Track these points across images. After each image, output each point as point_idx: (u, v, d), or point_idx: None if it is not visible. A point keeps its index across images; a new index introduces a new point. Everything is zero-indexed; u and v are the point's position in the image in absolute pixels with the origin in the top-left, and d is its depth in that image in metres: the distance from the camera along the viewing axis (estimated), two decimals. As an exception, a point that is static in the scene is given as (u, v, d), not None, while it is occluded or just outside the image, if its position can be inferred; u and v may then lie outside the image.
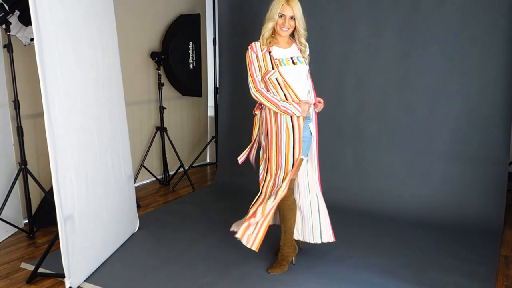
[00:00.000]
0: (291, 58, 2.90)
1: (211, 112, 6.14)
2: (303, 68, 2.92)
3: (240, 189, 4.85)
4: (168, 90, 5.38)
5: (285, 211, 3.01)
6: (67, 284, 2.78)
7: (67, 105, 2.79)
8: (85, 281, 2.94)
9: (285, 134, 2.89)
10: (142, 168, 5.08)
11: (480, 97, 3.90)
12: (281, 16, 2.82)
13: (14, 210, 3.75)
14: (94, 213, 3.08)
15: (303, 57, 2.94)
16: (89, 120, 3.06)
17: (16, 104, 3.45)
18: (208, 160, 6.31)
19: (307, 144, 3.01)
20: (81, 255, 2.90)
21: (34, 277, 2.96)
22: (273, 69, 2.85)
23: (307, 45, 2.97)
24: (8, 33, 3.35)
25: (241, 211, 4.25)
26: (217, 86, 5.47)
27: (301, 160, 2.99)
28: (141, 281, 2.98)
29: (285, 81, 2.85)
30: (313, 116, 3.04)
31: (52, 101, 2.63)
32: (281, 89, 2.86)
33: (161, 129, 5.12)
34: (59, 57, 2.71)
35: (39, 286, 2.91)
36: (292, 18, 2.82)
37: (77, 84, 2.92)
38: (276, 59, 2.87)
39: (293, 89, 2.86)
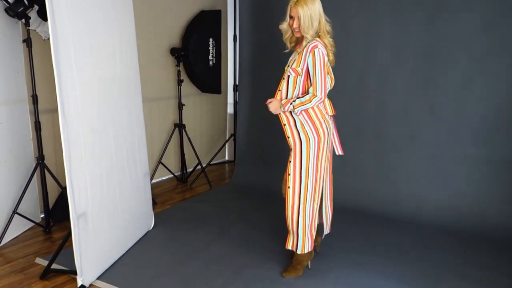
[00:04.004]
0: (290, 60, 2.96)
1: (230, 109, 6.09)
2: (288, 73, 2.88)
3: (258, 188, 4.80)
4: (188, 87, 5.35)
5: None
6: (79, 282, 2.77)
7: (82, 101, 2.77)
8: (97, 278, 2.93)
9: None
10: (160, 164, 5.06)
11: (507, 98, 3.74)
12: (291, 17, 2.81)
13: (32, 205, 3.77)
14: (108, 211, 3.06)
15: (295, 60, 2.85)
16: (105, 117, 3.04)
17: (35, 99, 3.46)
18: (226, 158, 6.27)
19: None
20: (94, 252, 2.89)
21: (47, 273, 2.96)
22: None
23: (308, 49, 2.77)
24: (27, 28, 3.36)
25: (258, 211, 4.20)
26: (237, 83, 5.42)
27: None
28: (153, 281, 2.95)
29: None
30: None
31: (67, 97, 2.62)
32: None
33: (180, 126, 5.09)
34: (75, 52, 2.69)
35: (52, 282, 2.91)
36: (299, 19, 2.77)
37: (93, 80, 2.90)
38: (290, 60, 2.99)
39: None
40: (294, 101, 2.79)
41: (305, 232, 2.95)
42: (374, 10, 4.14)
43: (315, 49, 2.73)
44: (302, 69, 2.79)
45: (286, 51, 3.03)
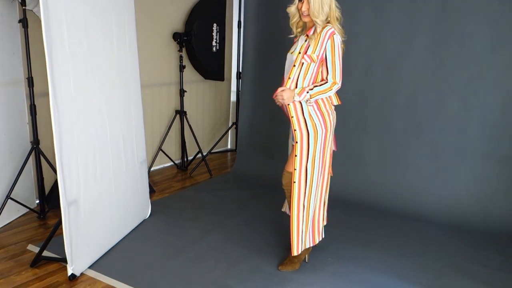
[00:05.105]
0: (297, 46, 2.80)
1: (234, 97, 5.97)
2: (293, 59, 2.75)
3: (259, 178, 4.71)
4: (190, 73, 5.24)
5: (293, 207, 2.86)
6: (70, 271, 2.70)
7: (76, 84, 2.67)
8: (89, 267, 2.86)
9: None
10: (160, 152, 4.98)
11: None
12: (300, 0, 2.68)
13: (27, 190, 3.70)
14: (102, 199, 2.98)
15: (309, 46, 2.70)
16: (100, 102, 2.94)
17: (30, 82, 3.37)
18: (229, 147, 6.17)
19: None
20: (85, 241, 2.81)
21: (38, 260, 2.88)
22: None
23: (326, 35, 2.65)
24: (24, 8, 3.26)
25: (257, 202, 4.12)
26: (240, 70, 5.30)
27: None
28: (146, 271, 2.87)
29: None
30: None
31: (59, 79, 2.52)
32: None
33: (181, 113, 4.99)
34: (68, 32, 2.58)
35: (42, 271, 2.83)
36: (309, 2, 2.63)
37: (88, 64, 2.80)
38: (293, 45, 2.86)
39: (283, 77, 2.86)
40: (311, 89, 2.66)
41: (308, 226, 2.87)
42: (383, -1, 4.01)
43: (333, 35, 2.63)
44: (317, 56, 2.66)
45: (292, 36, 2.90)
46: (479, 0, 3.63)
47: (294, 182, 2.76)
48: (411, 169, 4.05)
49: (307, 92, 2.65)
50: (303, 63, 2.69)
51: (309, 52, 2.67)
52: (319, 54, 2.66)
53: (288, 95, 2.68)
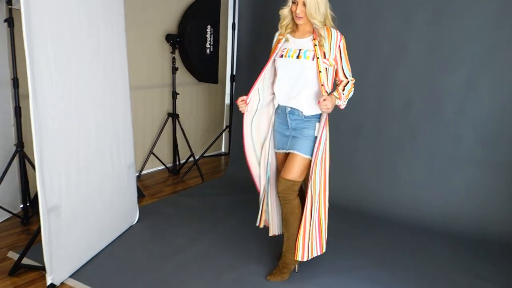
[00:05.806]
0: (300, 50, 2.64)
1: (228, 100, 5.88)
2: (307, 64, 2.61)
3: (251, 183, 4.58)
4: (184, 75, 5.15)
5: (288, 215, 2.74)
6: (48, 280, 2.59)
7: (58, 85, 2.56)
8: (70, 277, 2.75)
9: None
10: (152, 155, 4.88)
11: (513, 99, 3.54)
12: (294, 2, 2.57)
13: (12, 194, 3.60)
14: (85, 204, 2.87)
15: (312, 51, 2.60)
16: (85, 104, 2.84)
17: (15, 83, 3.27)
18: (223, 150, 6.08)
19: (280, 138, 2.82)
20: (67, 249, 2.70)
21: (17, 268, 2.77)
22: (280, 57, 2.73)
23: (334, 38, 2.60)
24: (9, 7, 3.16)
25: (248, 207, 4.01)
26: (234, 73, 5.21)
27: (281, 155, 2.87)
28: (128, 280, 2.77)
29: (276, 72, 2.77)
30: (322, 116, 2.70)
31: (40, 80, 2.42)
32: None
33: (173, 116, 4.89)
34: (51, 28, 2.47)
35: (21, 279, 2.72)
36: (305, 4, 2.52)
37: (72, 63, 2.69)
38: (285, 49, 2.70)
39: (275, 82, 2.77)
40: (343, 91, 2.63)
41: (316, 233, 2.78)
42: (378, 1, 3.91)
43: (342, 36, 2.62)
44: (333, 59, 2.62)
45: (280, 36, 2.78)
46: (473, 4, 3.55)
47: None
48: (405, 175, 3.96)
49: (343, 95, 2.62)
50: (326, 68, 2.61)
51: (327, 56, 2.61)
52: (335, 56, 2.62)
53: (332, 102, 2.56)
